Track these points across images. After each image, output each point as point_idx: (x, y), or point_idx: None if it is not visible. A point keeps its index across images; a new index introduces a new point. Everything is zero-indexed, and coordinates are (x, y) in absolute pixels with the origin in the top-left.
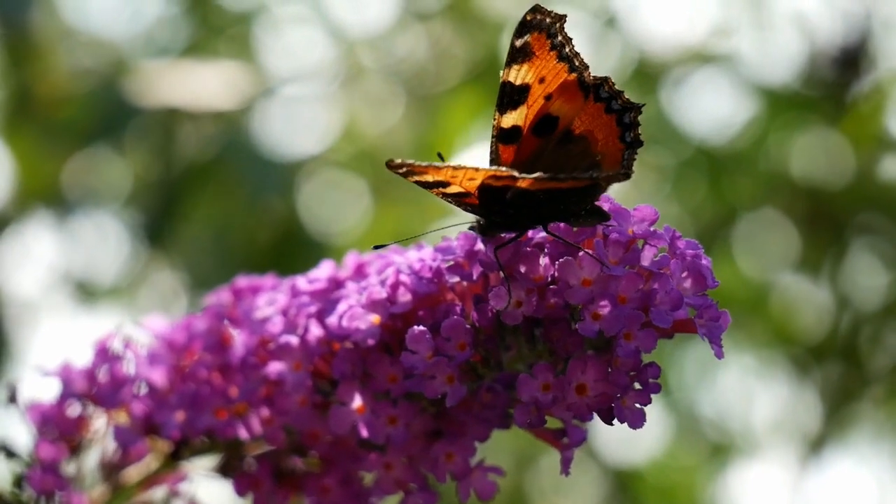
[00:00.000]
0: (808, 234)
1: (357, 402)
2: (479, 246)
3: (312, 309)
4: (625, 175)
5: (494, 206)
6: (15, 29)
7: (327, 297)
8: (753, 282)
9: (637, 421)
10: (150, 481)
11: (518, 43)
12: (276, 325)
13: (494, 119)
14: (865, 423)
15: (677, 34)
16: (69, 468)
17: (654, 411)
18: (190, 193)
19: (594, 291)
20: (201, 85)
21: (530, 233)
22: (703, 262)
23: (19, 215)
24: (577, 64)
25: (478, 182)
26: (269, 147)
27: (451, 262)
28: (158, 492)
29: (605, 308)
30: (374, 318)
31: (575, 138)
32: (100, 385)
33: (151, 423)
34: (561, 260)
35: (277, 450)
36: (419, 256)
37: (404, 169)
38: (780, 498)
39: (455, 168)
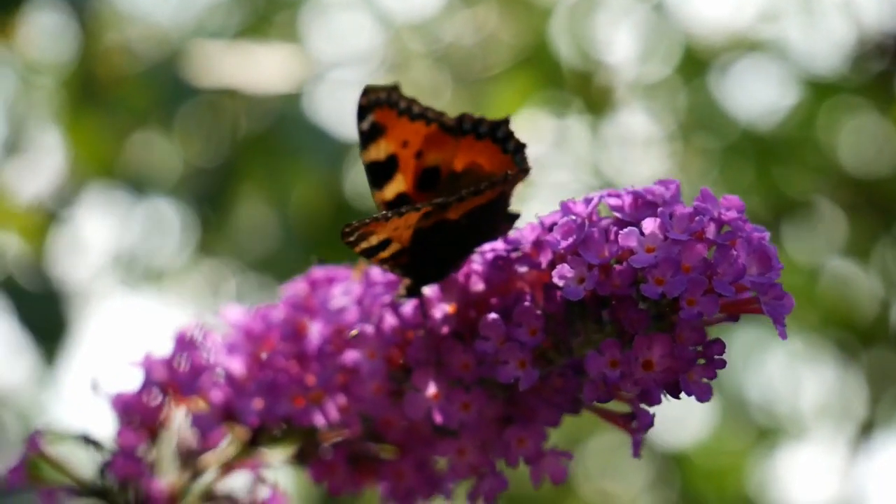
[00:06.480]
0: (857, 219)
1: (431, 389)
2: (547, 237)
3: (387, 298)
4: (524, 171)
5: (423, 257)
6: (77, 9)
7: None
8: (802, 267)
9: (704, 394)
10: (227, 467)
11: (364, 126)
12: (352, 314)
13: (375, 197)
14: None
15: (725, 19)
16: (149, 455)
17: None
18: (245, 170)
19: (658, 257)
20: (256, 66)
21: (594, 217)
22: (769, 246)
23: (75, 196)
24: (431, 116)
25: (412, 228)
26: (322, 124)
27: (520, 253)
28: (239, 478)
29: (668, 273)
30: (449, 307)
31: (461, 174)
32: (179, 374)
33: (230, 410)
34: (624, 230)
35: (353, 437)
36: (490, 246)
37: (353, 236)
38: (829, 482)
39: (398, 216)
